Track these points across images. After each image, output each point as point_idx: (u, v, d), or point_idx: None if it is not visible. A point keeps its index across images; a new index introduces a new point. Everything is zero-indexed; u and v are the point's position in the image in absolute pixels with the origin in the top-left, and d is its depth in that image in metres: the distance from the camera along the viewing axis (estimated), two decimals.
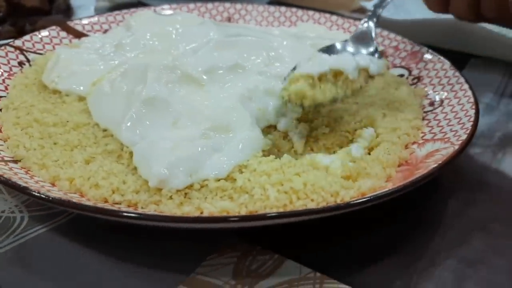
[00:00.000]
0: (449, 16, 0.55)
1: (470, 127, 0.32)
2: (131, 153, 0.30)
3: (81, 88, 0.37)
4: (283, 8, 0.56)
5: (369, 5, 0.62)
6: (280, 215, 0.24)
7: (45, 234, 0.29)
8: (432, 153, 0.31)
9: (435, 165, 0.27)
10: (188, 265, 0.27)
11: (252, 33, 0.42)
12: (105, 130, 0.33)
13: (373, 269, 0.27)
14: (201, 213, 0.27)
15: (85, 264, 0.27)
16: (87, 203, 0.27)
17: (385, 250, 0.29)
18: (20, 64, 0.43)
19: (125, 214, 0.25)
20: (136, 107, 0.31)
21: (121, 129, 0.31)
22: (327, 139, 0.34)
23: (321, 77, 0.33)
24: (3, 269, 0.27)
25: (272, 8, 0.56)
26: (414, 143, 0.34)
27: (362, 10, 0.64)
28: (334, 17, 0.54)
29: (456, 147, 0.30)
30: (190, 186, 0.28)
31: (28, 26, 0.54)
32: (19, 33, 0.54)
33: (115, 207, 0.27)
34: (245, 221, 0.24)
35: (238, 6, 0.56)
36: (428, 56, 0.44)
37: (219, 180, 0.28)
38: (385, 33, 0.50)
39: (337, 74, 0.34)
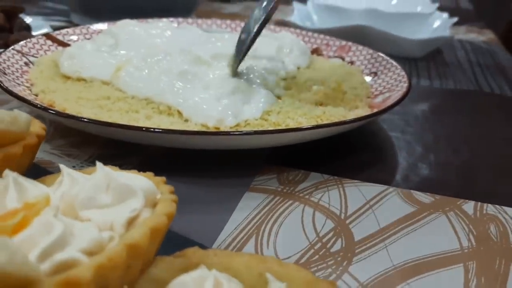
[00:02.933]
0: (352, 23, 0.71)
1: (407, 80, 0.46)
2: (178, 111, 0.38)
3: (104, 74, 0.44)
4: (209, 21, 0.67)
5: (293, 19, 0.77)
6: (323, 126, 0.34)
7: None
8: (388, 98, 0.44)
9: (400, 96, 0.40)
10: (245, 181, 0.36)
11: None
12: (145, 99, 0.40)
13: (369, 171, 0.39)
14: None
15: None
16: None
17: (372, 160, 0.41)
18: (26, 64, 0.47)
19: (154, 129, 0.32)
20: (174, 78, 0.40)
21: (165, 95, 0.39)
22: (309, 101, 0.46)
23: None
24: None
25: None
26: (368, 97, 0.47)
27: (282, 24, 0.78)
28: None
29: (404, 89, 0.43)
30: (238, 124, 0.37)
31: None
32: None
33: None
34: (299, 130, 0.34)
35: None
36: (354, 47, 0.59)
37: (256, 119, 0.38)
38: (316, 34, 0.64)
39: None
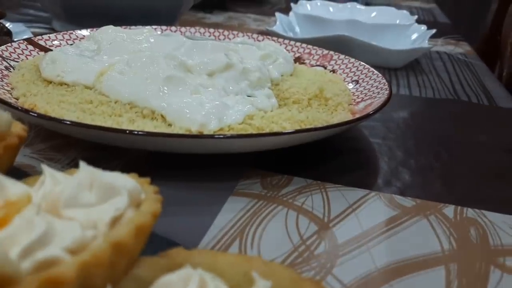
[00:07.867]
0: (334, 33, 0.72)
1: (387, 88, 0.47)
2: (162, 115, 0.38)
3: (87, 79, 0.43)
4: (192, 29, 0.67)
5: (275, 29, 0.78)
6: (306, 130, 0.35)
7: None
8: (370, 105, 0.45)
9: (381, 103, 0.41)
10: (229, 185, 0.36)
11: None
12: (129, 104, 0.40)
13: (352, 175, 0.39)
14: None
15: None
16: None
17: (355, 165, 0.41)
18: (7, 68, 0.47)
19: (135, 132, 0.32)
20: (159, 83, 0.40)
21: (149, 100, 0.39)
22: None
23: None
24: None
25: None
26: (349, 104, 0.48)
27: (264, 33, 0.79)
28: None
29: (386, 96, 0.44)
30: (221, 129, 0.37)
31: None
32: None
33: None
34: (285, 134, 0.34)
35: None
36: (336, 56, 0.60)
37: (240, 124, 0.38)
38: (298, 43, 0.64)
39: None
